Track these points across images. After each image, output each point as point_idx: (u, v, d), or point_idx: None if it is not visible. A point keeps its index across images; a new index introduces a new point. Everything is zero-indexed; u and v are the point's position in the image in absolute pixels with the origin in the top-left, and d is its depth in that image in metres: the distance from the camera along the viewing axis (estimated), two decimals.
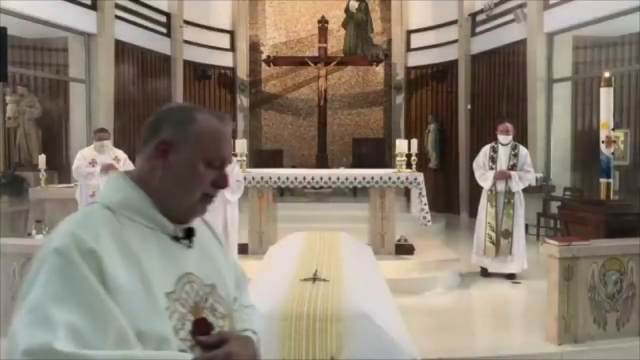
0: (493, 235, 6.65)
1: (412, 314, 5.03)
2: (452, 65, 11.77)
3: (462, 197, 11.36)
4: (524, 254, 6.64)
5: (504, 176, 6.60)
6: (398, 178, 7.09)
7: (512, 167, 6.63)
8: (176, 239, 1.29)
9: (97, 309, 1.08)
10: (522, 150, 6.76)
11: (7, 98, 9.14)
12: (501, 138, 6.73)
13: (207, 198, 1.32)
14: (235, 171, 5.88)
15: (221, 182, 1.32)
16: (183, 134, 1.27)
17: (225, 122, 1.33)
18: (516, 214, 6.61)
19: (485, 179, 6.72)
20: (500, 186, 6.63)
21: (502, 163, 6.66)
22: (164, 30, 11.19)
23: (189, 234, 1.32)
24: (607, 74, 5.37)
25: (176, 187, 1.27)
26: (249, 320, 1.45)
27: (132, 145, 9.93)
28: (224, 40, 12.48)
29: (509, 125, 6.79)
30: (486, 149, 6.84)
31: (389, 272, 5.34)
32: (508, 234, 6.59)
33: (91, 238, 1.14)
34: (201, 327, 1.26)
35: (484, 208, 6.75)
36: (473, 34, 11.34)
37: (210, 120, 1.30)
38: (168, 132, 1.27)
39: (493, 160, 6.72)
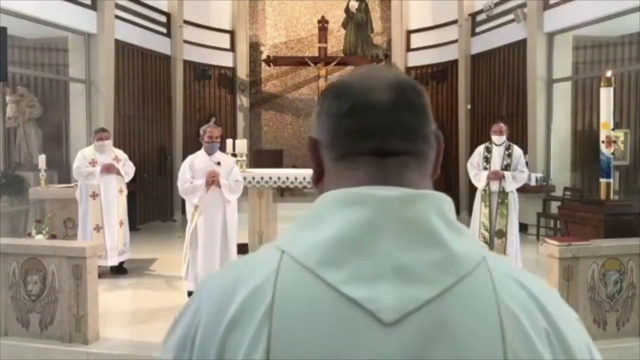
0: (486, 235, 6.64)
1: None
2: (452, 65, 11.77)
3: (462, 197, 11.36)
4: (519, 254, 6.61)
5: (497, 176, 6.58)
6: None
7: (506, 167, 6.61)
8: None
9: None
10: (516, 150, 6.73)
11: (7, 98, 9.15)
12: (495, 138, 6.72)
13: None
14: (235, 171, 5.87)
15: None
16: None
17: None
18: (510, 214, 6.60)
19: (479, 179, 6.71)
20: (494, 186, 6.62)
21: (496, 163, 6.65)
22: (164, 30, 11.20)
23: None
24: (607, 74, 5.36)
25: None
26: None
27: (132, 145, 9.97)
28: (224, 40, 12.48)
29: (502, 126, 6.77)
30: (480, 149, 6.83)
31: None
32: (502, 234, 6.58)
33: None
34: None
35: (478, 208, 6.74)
36: (473, 34, 11.34)
37: None
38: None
39: (487, 160, 6.71)
